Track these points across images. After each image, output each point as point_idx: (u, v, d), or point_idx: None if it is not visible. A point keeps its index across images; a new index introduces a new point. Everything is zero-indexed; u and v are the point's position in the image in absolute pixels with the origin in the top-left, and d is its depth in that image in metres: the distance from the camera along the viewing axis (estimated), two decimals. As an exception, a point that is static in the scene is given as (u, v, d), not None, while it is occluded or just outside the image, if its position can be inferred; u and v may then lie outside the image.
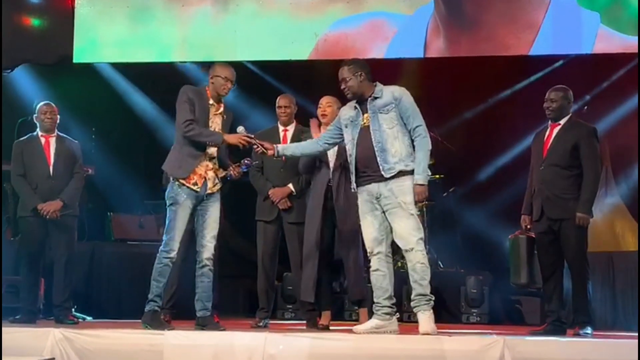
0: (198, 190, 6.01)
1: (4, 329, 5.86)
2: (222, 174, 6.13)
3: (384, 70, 8.37)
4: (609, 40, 8.02)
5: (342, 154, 6.19)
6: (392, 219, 5.74)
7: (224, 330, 5.96)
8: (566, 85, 6.49)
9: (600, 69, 8.98)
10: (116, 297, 8.23)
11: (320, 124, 6.48)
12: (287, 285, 7.96)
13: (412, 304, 5.77)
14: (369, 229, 5.83)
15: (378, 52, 8.40)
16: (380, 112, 5.77)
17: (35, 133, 7.02)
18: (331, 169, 6.39)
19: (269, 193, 6.72)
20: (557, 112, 6.39)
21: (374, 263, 5.82)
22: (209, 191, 6.07)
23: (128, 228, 8.72)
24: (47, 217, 6.80)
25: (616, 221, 8.75)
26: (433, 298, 5.73)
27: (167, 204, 6.05)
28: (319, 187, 6.43)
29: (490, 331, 6.42)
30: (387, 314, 5.77)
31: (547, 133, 6.42)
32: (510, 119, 8.73)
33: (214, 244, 6.09)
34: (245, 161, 6.18)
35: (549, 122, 6.47)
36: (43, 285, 7.34)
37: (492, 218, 8.76)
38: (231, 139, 6.01)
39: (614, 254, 8.07)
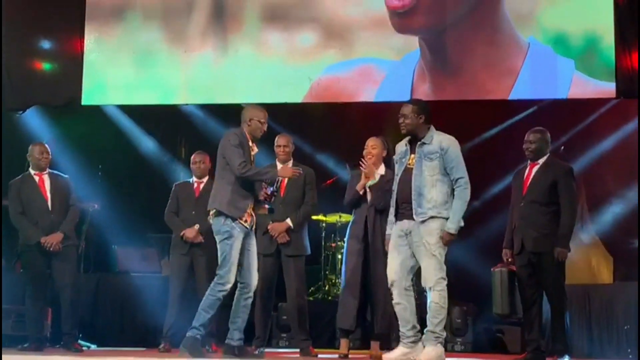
0: (247, 226, 6.06)
1: (12, 357, 5.81)
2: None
3: (373, 113, 8.45)
4: (583, 86, 8.09)
5: (377, 193, 6.33)
6: (418, 257, 5.76)
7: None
8: (544, 127, 6.53)
9: (576, 112, 8.98)
10: (119, 326, 8.16)
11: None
12: (282, 315, 7.90)
13: (423, 336, 5.76)
14: (393, 262, 5.81)
15: (368, 95, 8.44)
16: (425, 159, 5.77)
17: (27, 172, 7.04)
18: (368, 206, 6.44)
19: (268, 227, 6.71)
20: (535, 153, 6.43)
21: (395, 296, 5.80)
22: (254, 226, 6.16)
23: (131, 260, 8.67)
24: (51, 249, 6.79)
25: (592, 255, 8.74)
26: (443, 335, 5.72)
27: (221, 239, 6.00)
28: (359, 222, 6.46)
29: (474, 359, 6.39)
30: (412, 342, 5.75)
31: (527, 172, 6.44)
32: (493, 158, 8.73)
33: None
34: (269, 189, 6.16)
35: (528, 161, 6.50)
36: (50, 314, 7.29)
37: (476, 252, 8.73)
38: (285, 172, 6.15)
39: (590, 287, 8.01)
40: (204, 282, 7.11)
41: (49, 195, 6.98)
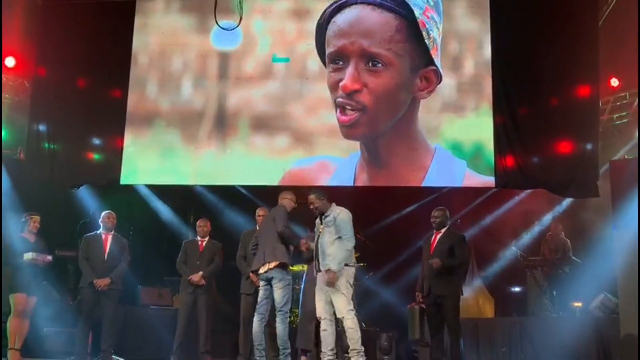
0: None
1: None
2: None
3: (328, 194, 8.52)
4: (472, 179, 8.08)
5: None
6: (331, 297, 5.77)
7: None
8: (445, 206, 6.67)
9: (467, 197, 9.09)
10: (141, 344, 7.97)
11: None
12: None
13: (349, 354, 5.74)
14: (320, 302, 5.85)
15: (324, 181, 8.38)
16: (326, 226, 5.87)
17: (98, 231, 7.00)
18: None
19: (250, 275, 6.69)
20: (439, 224, 6.53)
21: (323, 325, 5.79)
22: None
23: (151, 296, 8.55)
24: (99, 289, 6.72)
25: (479, 297, 8.78)
26: (362, 350, 5.68)
27: (284, 285, 6.02)
28: (312, 271, 6.39)
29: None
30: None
31: (433, 238, 6.52)
32: (409, 228, 8.76)
33: None
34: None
35: (434, 230, 6.60)
36: (92, 336, 7.16)
37: (398, 294, 8.73)
38: (303, 245, 6.17)
39: (477, 320, 8.05)
40: (203, 313, 7.07)
41: (107, 249, 6.93)
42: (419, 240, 7.25)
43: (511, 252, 9.04)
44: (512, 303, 8.86)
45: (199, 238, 7.34)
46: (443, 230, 6.50)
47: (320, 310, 5.80)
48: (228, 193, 9.51)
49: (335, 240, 5.80)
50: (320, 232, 5.89)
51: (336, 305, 5.70)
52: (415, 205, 9.37)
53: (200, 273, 7.08)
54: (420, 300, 6.49)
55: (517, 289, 9.04)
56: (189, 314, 7.10)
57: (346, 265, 5.77)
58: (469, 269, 8.90)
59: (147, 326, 8.08)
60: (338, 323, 5.84)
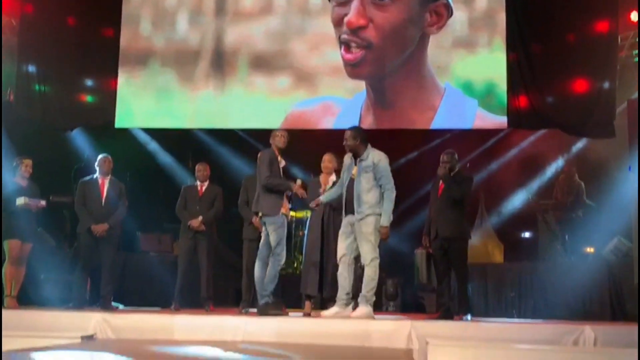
0: (288, 216, 6.16)
1: (60, 313, 5.78)
2: None
3: (331, 137, 8.48)
4: (484, 119, 8.07)
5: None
6: (358, 243, 5.82)
7: (285, 315, 5.99)
8: (454, 149, 6.59)
9: (478, 139, 9.04)
10: (140, 291, 8.09)
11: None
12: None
13: (358, 299, 5.83)
14: (342, 243, 5.91)
15: (327, 124, 8.40)
16: (363, 172, 5.84)
17: (95, 176, 7.00)
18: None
19: (252, 220, 6.66)
20: (449, 169, 6.43)
21: (340, 267, 5.88)
22: (288, 217, 6.23)
23: (150, 243, 8.63)
24: (97, 235, 6.77)
25: (488, 242, 8.80)
26: (373, 299, 5.77)
27: (275, 228, 6.00)
28: (317, 217, 6.47)
29: (402, 317, 6.47)
30: (345, 304, 5.82)
31: (441, 181, 6.47)
32: (417, 172, 8.73)
33: None
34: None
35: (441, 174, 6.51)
36: (90, 283, 7.26)
37: (405, 239, 8.77)
38: (297, 191, 6.06)
39: (487, 265, 8.10)
40: (204, 259, 7.13)
41: (105, 194, 6.93)
42: (427, 184, 7.25)
43: (522, 195, 9.04)
44: (523, 249, 8.91)
45: (198, 183, 7.34)
46: (452, 174, 6.44)
47: (341, 251, 5.87)
48: (228, 136, 9.48)
49: (372, 187, 5.80)
50: (353, 176, 5.87)
51: (362, 251, 5.78)
52: (423, 148, 9.34)
53: (200, 218, 7.11)
54: (427, 244, 6.52)
55: (527, 234, 9.08)
56: (189, 259, 7.16)
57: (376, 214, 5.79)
58: (477, 213, 8.96)
59: (147, 273, 8.18)
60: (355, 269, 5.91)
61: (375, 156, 5.87)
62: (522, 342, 5.16)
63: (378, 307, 7.95)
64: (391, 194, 5.81)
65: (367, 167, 5.84)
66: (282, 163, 6.19)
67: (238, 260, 7.19)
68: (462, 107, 8.10)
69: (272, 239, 6.00)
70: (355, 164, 5.92)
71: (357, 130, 6.02)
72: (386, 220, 5.78)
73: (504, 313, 7.44)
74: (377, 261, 5.78)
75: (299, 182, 6.12)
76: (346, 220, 5.93)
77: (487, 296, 7.65)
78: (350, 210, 5.87)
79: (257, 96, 8.47)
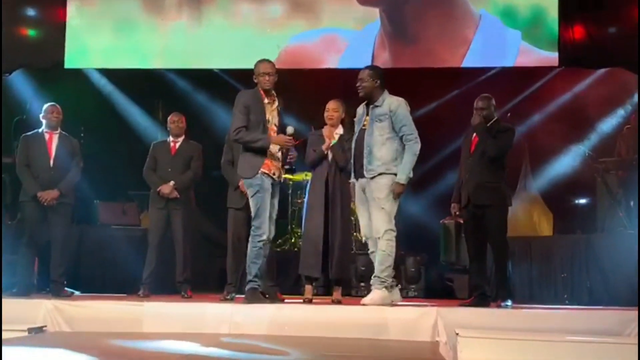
0: (277, 178, 5.98)
1: (6, 300, 5.83)
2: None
3: (336, 79, 8.47)
4: (529, 55, 8.10)
5: (337, 152, 6.31)
6: (370, 210, 5.84)
7: (280, 302, 5.94)
8: (492, 93, 6.52)
9: (522, 80, 9.04)
10: (101, 274, 8.15)
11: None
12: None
13: (370, 281, 5.86)
14: (363, 217, 5.94)
15: (332, 62, 8.42)
16: (376, 120, 5.82)
17: (40, 130, 6.98)
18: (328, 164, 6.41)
19: (239, 184, 6.56)
20: (486, 118, 6.40)
21: (370, 246, 5.92)
22: (281, 179, 6.07)
23: (112, 214, 8.66)
24: (45, 204, 6.79)
25: (533, 210, 8.84)
26: (388, 280, 5.79)
27: (252, 193, 5.91)
28: (320, 179, 6.44)
29: (425, 303, 6.51)
30: (390, 286, 5.84)
31: (474, 134, 6.39)
32: (444, 123, 8.75)
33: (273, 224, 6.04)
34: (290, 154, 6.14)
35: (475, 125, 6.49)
36: (37, 263, 7.30)
37: (428, 206, 8.81)
38: (279, 141, 5.91)
39: (532, 239, 8.15)
40: (180, 233, 7.17)
41: (53, 153, 6.93)
42: (457, 138, 7.23)
43: (577, 151, 9.03)
44: (577, 218, 8.94)
45: (170, 138, 7.33)
46: (489, 125, 6.41)
47: (366, 230, 5.92)
48: (207, 79, 9.45)
49: (386, 140, 5.80)
50: (363, 126, 5.87)
51: (374, 221, 5.80)
52: (452, 92, 9.32)
53: (172, 183, 7.13)
54: (457, 212, 6.53)
55: (583, 200, 9.10)
56: (161, 234, 7.20)
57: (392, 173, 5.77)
58: (520, 174, 8.96)
59: (108, 251, 8.23)
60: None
61: (392, 102, 5.86)
62: (575, 334, 5.19)
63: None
64: (415, 146, 5.81)
65: (382, 115, 5.83)
66: (275, 104, 6.01)
67: (222, 234, 7.22)
68: (501, 40, 8.16)
69: (251, 208, 5.98)
70: (368, 114, 5.90)
71: (376, 70, 6.00)
72: (404, 176, 5.77)
73: (553, 298, 7.49)
74: (393, 234, 5.80)
75: (290, 129, 6.01)
76: (358, 185, 5.92)
77: (531, 276, 7.71)
78: (361, 172, 5.87)
79: (243, 28, 8.46)
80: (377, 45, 8.32)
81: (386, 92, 5.92)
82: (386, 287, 5.81)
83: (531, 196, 9.00)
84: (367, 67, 6.03)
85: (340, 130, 6.50)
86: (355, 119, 6.10)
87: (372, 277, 5.87)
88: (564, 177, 9.15)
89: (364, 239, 6.01)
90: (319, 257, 6.37)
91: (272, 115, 6.01)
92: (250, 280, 5.93)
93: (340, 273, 6.41)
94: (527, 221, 8.71)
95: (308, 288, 6.55)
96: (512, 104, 8.87)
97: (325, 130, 6.52)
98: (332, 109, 6.48)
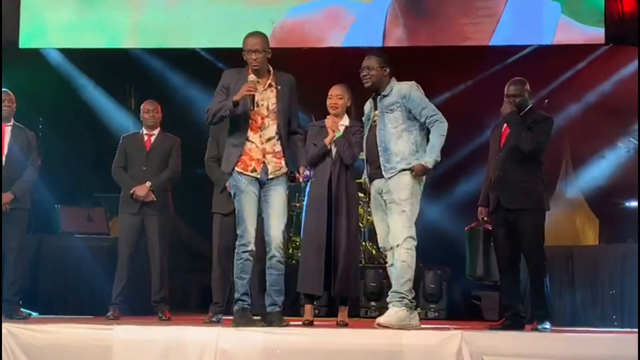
0: (258, 176, 5.77)
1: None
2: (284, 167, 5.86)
3: (341, 60, 8.48)
4: (570, 31, 8.16)
5: (342, 146, 6.35)
6: (388, 214, 5.84)
7: (287, 325, 5.82)
8: (526, 76, 6.52)
9: (562, 60, 9.05)
10: (63, 292, 8.18)
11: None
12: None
13: (387, 298, 5.86)
14: (380, 226, 5.96)
15: (336, 40, 8.45)
16: (386, 112, 5.83)
17: None
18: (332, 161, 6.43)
19: (227, 185, 6.41)
20: (519, 106, 6.39)
21: (388, 258, 5.92)
22: (270, 175, 5.80)
23: (76, 221, 8.68)
24: (-2, 209, 6.81)
25: (576, 215, 8.86)
26: (408, 296, 5.76)
27: (232, 194, 5.84)
28: (321, 178, 6.44)
29: (448, 326, 6.50)
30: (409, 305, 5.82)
31: (505, 125, 6.38)
32: (468, 112, 8.77)
33: (281, 232, 5.81)
34: (306, 172, 5.93)
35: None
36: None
37: (451, 211, 8.83)
38: (240, 92, 5.64)
39: (574, 248, 8.14)
40: (156, 243, 7.17)
41: (6, 149, 6.93)
42: (484, 130, 7.28)
43: (627, 146, 9.04)
44: (627, 224, 8.92)
45: (144, 130, 7.36)
46: (522, 114, 6.42)
47: (383, 237, 5.93)
48: (187, 61, 9.46)
49: (402, 131, 5.81)
50: (374, 122, 5.89)
51: (392, 227, 5.80)
52: (478, 75, 9.33)
53: (148, 184, 7.14)
54: (484, 218, 6.54)
55: (634, 204, 9.10)
56: (134, 244, 7.22)
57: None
58: (560, 173, 8.96)
59: (72, 264, 8.27)
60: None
61: (401, 87, 5.88)
62: (624, 362, 5.19)
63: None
64: (442, 125, 5.81)
65: (392, 105, 5.84)
66: (266, 85, 5.80)
67: (205, 244, 7.24)
68: (537, 14, 8.21)
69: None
70: (376, 107, 5.91)
71: (385, 57, 5.99)
72: (432, 159, 5.75)
73: (600, 320, 7.52)
74: (414, 242, 5.80)
75: (251, 77, 5.69)
76: (373, 189, 5.93)
77: (574, 292, 7.72)
78: (376, 173, 5.88)
79: (231, 1, 8.53)
80: (389, 21, 8.37)
81: (394, 79, 5.94)
82: (406, 305, 5.81)
83: (573, 199, 9.00)
84: (373, 54, 6.01)
85: (345, 120, 6.50)
86: (363, 118, 6.11)
87: (389, 293, 5.86)
88: (612, 177, 9.15)
89: (381, 250, 6.00)
90: (320, 272, 6.38)
91: (264, 95, 5.81)
92: (239, 299, 5.90)
93: (346, 290, 6.41)
94: (568, 228, 8.73)
95: (308, 308, 6.56)
96: (550, 89, 8.88)
97: (328, 121, 6.53)
98: (336, 95, 6.49)
